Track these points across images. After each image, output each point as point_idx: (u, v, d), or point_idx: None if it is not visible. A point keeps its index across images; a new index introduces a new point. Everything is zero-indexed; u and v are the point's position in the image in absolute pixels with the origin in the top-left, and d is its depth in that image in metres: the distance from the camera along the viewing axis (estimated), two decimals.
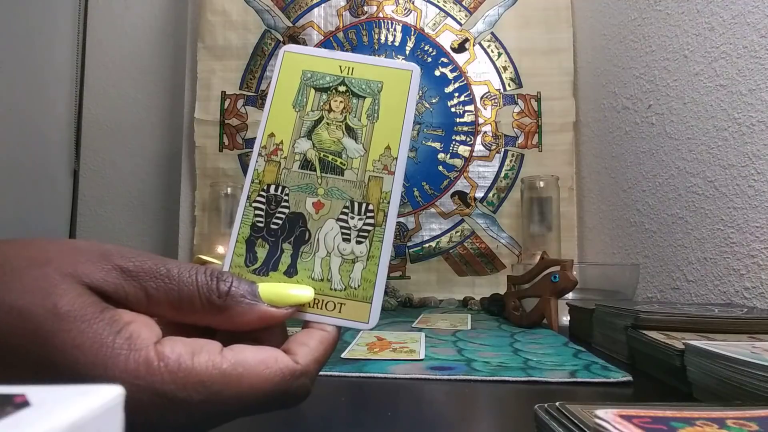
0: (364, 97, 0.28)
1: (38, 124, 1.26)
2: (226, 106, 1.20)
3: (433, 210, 1.16)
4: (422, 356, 0.50)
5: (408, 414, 0.35)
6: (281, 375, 0.22)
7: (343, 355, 0.51)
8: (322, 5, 1.21)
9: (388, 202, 0.27)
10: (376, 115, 0.28)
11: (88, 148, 1.34)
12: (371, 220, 0.27)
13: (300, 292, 0.25)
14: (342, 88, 0.29)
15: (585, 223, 1.13)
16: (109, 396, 0.14)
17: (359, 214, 0.27)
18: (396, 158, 0.27)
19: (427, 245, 1.15)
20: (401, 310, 0.96)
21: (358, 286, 0.26)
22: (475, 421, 0.35)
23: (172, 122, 1.32)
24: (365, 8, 1.20)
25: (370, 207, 0.27)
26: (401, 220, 1.15)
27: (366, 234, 0.26)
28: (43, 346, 0.19)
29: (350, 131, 0.28)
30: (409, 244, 1.15)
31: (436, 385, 0.42)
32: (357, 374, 0.44)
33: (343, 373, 0.44)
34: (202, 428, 0.21)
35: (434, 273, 1.14)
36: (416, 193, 1.16)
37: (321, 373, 0.43)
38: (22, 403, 0.13)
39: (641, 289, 0.87)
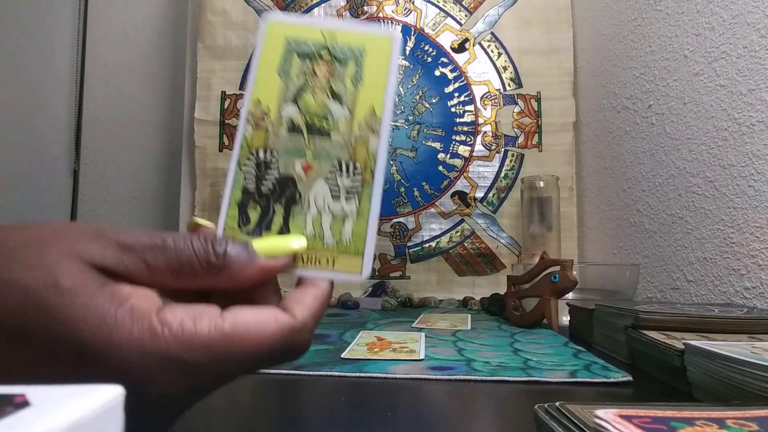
0: (347, 63, 0.29)
1: (38, 125, 1.26)
2: (226, 106, 1.20)
3: (433, 210, 1.16)
4: (422, 356, 0.50)
5: (408, 414, 0.35)
6: (281, 332, 0.22)
7: (343, 355, 0.51)
8: (322, 5, 1.21)
9: (375, 161, 0.27)
10: (360, 78, 0.29)
11: (88, 148, 1.34)
12: (359, 178, 0.27)
13: (294, 240, 0.26)
14: (325, 54, 0.29)
15: (585, 223, 1.13)
16: (109, 396, 0.14)
17: (347, 173, 0.27)
18: (381, 119, 0.28)
19: (427, 245, 1.15)
20: (401, 310, 0.96)
21: (350, 240, 0.26)
22: (475, 421, 0.35)
23: (172, 122, 1.32)
24: (365, 8, 1.20)
25: (358, 166, 0.27)
26: (401, 220, 1.15)
27: (355, 192, 0.27)
28: (47, 321, 0.19)
29: (335, 95, 0.28)
30: (409, 244, 1.15)
31: (436, 385, 0.42)
32: (357, 374, 0.44)
33: (343, 373, 0.44)
34: (211, 389, 0.22)
35: (434, 273, 1.14)
36: (416, 193, 1.16)
37: (321, 373, 0.44)
38: (22, 403, 0.13)
39: (641, 289, 0.87)
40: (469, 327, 0.71)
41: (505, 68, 1.19)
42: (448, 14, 1.20)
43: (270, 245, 0.25)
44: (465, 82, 1.18)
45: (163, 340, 0.20)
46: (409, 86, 1.18)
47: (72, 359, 0.19)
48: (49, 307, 0.19)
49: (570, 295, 0.71)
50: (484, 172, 1.16)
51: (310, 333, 0.24)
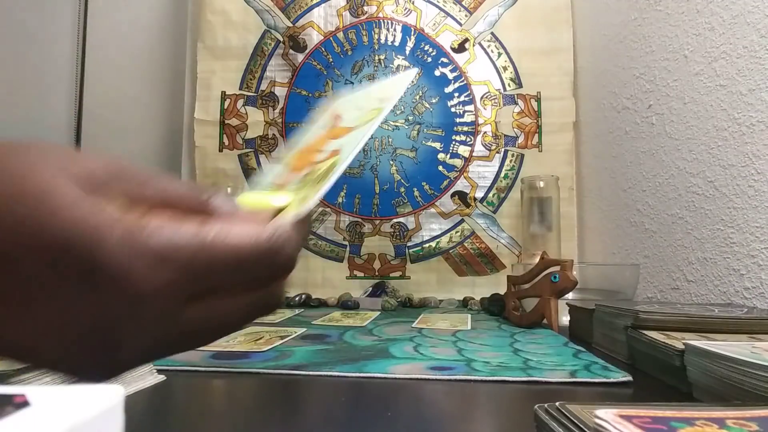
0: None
1: (38, 124, 1.26)
2: (226, 106, 1.20)
3: (433, 210, 1.16)
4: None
5: (408, 414, 0.35)
6: (262, 235, 0.22)
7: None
8: (322, 5, 1.21)
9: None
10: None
11: (88, 147, 1.34)
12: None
13: (275, 198, 0.26)
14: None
15: (585, 223, 1.13)
16: (109, 396, 0.14)
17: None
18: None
19: (427, 245, 1.15)
20: (401, 310, 0.96)
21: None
22: (475, 421, 0.35)
23: (172, 122, 1.32)
24: (365, 8, 1.20)
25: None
26: (401, 220, 1.15)
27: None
28: (34, 222, 0.18)
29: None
30: (409, 244, 1.15)
31: (436, 385, 0.42)
32: (357, 374, 0.44)
33: (343, 373, 0.44)
34: (188, 290, 0.21)
35: (434, 273, 1.14)
36: (416, 193, 1.16)
37: (321, 373, 0.44)
38: (22, 403, 0.13)
39: (641, 289, 0.87)
40: (469, 327, 0.71)
41: (505, 68, 1.19)
42: (448, 14, 1.20)
43: (253, 201, 0.26)
44: (465, 82, 1.18)
45: (146, 233, 0.19)
46: (409, 86, 1.18)
47: (57, 255, 0.18)
48: (38, 209, 0.18)
49: (570, 295, 0.71)
50: (484, 172, 1.16)
51: (294, 241, 0.23)
